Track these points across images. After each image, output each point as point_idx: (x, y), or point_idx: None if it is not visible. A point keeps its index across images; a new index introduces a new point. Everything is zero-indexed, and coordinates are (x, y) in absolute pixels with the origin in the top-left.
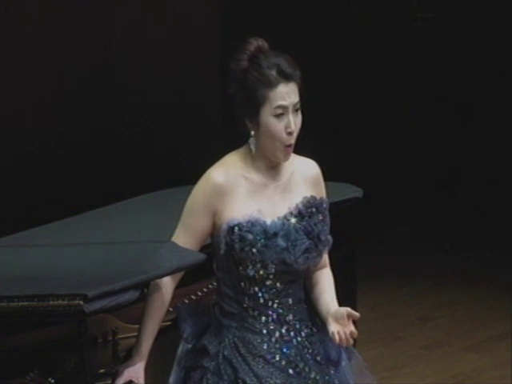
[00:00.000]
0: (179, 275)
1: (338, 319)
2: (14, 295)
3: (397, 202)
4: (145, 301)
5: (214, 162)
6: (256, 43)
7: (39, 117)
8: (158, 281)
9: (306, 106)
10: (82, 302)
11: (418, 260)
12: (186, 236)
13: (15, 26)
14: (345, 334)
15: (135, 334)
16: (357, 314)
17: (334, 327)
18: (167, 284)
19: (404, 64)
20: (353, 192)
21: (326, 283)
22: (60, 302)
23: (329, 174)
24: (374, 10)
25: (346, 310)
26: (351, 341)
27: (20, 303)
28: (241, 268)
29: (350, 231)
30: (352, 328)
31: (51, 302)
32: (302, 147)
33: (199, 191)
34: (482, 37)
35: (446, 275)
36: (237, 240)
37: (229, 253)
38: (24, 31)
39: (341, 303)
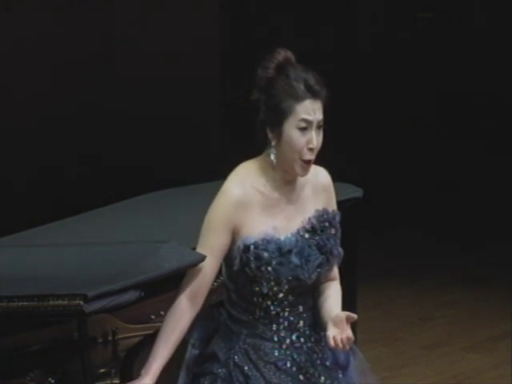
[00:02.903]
0: (201, 301)
1: (336, 324)
2: (13, 295)
3: (397, 201)
4: (162, 323)
5: (214, 162)
6: (284, 54)
7: (39, 116)
8: (177, 304)
9: None
10: (82, 302)
11: (418, 260)
12: (207, 255)
13: (15, 26)
14: (341, 338)
15: (135, 333)
16: (354, 316)
17: (331, 331)
18: (187, 309)
19: (404, 63)
20: (353, 192)
21: (332, 292)
22: (60, 302)
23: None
24: (374, 9)
25: (345, 313)
26: (347, 346)
27: (20, 303)
28: (254, 285)
29: (350, 231)
30: (349, 333)
31: (51, 302)
32: None
33: (219, 208)
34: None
35: (446, 275)
36: (252, 258)
37: (243, 269)
38: (24, 31)
39: (341, 303)
